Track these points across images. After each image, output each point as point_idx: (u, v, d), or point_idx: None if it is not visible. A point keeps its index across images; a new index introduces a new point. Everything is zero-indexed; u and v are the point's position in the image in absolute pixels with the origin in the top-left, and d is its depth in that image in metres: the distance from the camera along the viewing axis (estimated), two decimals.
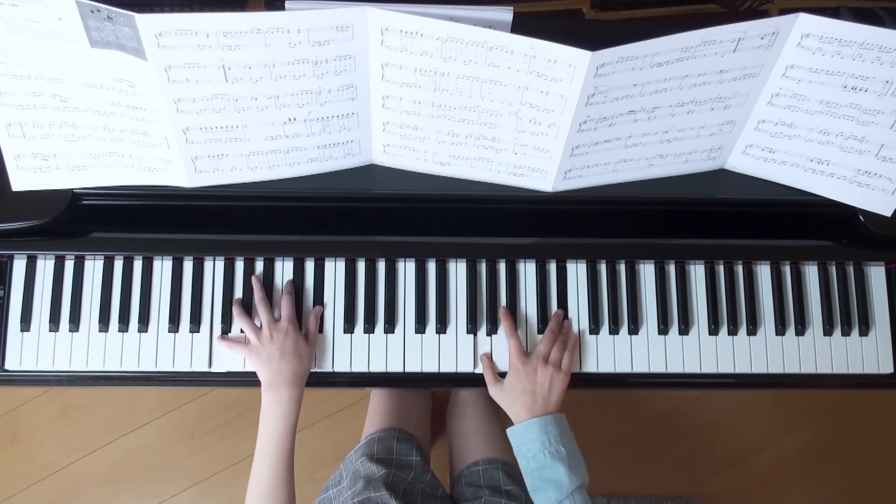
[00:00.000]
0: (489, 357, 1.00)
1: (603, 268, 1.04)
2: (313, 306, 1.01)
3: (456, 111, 0.87)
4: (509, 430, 0.94)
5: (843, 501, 1.84)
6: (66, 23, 0.77)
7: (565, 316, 1.02)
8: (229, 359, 0.99)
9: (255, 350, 0.96)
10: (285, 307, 0.98)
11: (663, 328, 1.02)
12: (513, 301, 1.02)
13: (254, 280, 1.00)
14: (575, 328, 1.02)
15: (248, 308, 1.00)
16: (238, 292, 1.01)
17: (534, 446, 0.90)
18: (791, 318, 1.03)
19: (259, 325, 0.98)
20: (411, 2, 0.81)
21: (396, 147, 0.94)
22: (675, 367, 1.02)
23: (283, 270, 1.02)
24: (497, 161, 0.93)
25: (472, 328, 1.01)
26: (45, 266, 1.00)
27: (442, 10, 0.79)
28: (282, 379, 0.93)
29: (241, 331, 0.99)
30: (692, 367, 1.02)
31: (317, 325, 1.00)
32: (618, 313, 1.02)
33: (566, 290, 1.03)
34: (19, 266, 1.00)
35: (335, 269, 1.02)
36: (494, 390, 0.97)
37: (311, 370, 0.99)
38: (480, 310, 1.02)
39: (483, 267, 1.03)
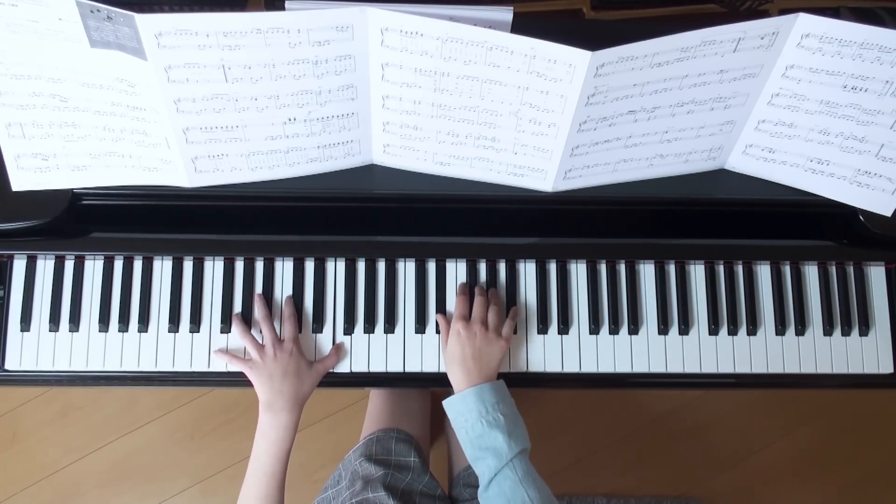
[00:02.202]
0: (444, 317, 1.00)
1: (603, 268, 1.04)
2: (313, 307, 1.01)
3: (456, 111, 0.87)
4: (445, 403, 0.93)
5: (844, 501, 1.84)
6: (66, 23, 0.77)
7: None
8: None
9: (256, 367, 0.95)
10: (289, 328, 0.98)
11: (663, 328, 1.02)
12: (513, 301, 1.02)
13: (257, 298, 1.00)
14: (575, 328, 1.02)
15: (247, 321, 1.00)
16: (238, 293, 1.01)
17: (471, 416, 0.89)
18: (791, 318, 1.03)
19: (262, 343, 0.97)
20: (411, 2, 0.81)
21: (396, 147, 0.93)
22: (675, 367, 1.02)
23: (283, 270, 1.02)
24: (497, 161, 0.93)
25: None
26: (45, 266, 1.00)
27: (442, 10, 0.79)
28: (283, 401, 0.93)
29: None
30: (692, 367, 1.02)
31: (337, 362, 1.00)
32: (618, 313, 1.02)
33: (566, 290, 1.03)
34: (19, 266, 1.00)
35: (335, 269, 1.02)
36: (444, 353, 0.97)
37: None
38: None
39: (483, 267, 1.03)
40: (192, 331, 1.00)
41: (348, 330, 1.01)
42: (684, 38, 0.78)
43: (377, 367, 1.01)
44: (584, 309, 1.03)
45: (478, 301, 0.98)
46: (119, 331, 1.00)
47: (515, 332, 1.01)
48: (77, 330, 0.99)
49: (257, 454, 0.92)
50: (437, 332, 1.01)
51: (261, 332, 0.98)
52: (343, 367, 1.00)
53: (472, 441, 0.89)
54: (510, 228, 1.01)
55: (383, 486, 1.01)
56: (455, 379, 0.94)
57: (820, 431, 1.85)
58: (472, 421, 0.89)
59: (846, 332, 1.03)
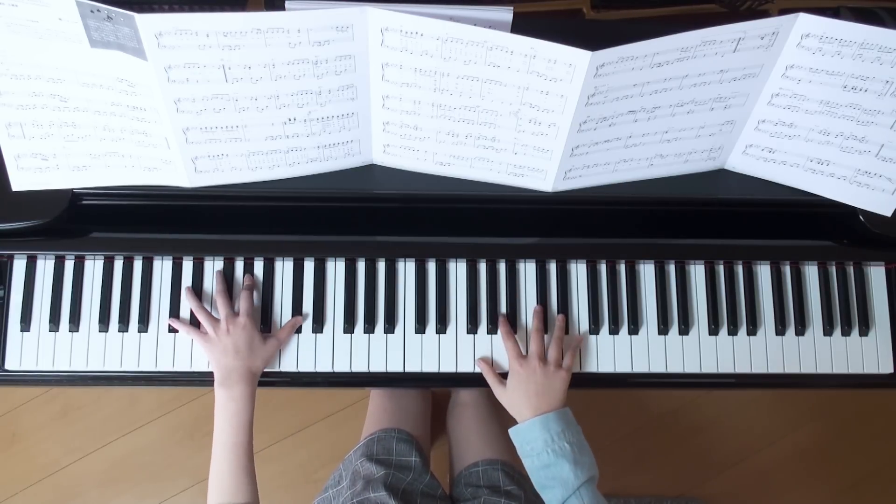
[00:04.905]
0: (486, 361, 1.00)
1: (603, 268, 1.04)
2: (313, 307, 1.01)
3: (456, 111, 0.87)
4: (512, 431, 0.94)
5: (844, 501, 1.84)
6: (66, 23, 0.77)
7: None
8: None
9: (210, 342, 0.96)
10: (244, 302, 0.98)
11: (663, 328, 1.02)
12: (513, 301, 1.02)
13: (217, 274, 1.00)
14: (575, 328, 1.02)
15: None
16: (238, 292, 1.01)
17: (537, 445, 0.90)
18: (791, 318, 1.03)
19: (217, 318, 0.97)
20: (411, 2, 0.81)
21: (396, 147, 0.94)
22: (675, 367, 1.02)
23: (283, 270, 1.02)
24: (497, 161, 0.93)
25: (473, 328, 1.01)
26: (45, 266, 1.00)
27: (442, 10, 0.79)
28: (236, 376, 0.93)
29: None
30: (692, 367, 1.02)
31: (289, 333, 0.99)
32: (618, 313, 1.02)
33: (566, 290, 1.03)
34: (19, 266, 1.00)
35: (335, 269, 1.02)
36: (499, 392, 0.97)
37: (313, 370, 1.00)
38: (480, 309, 1.02)
39: (483, 267, 1.03)
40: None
41: (348, 330, 1.01)
42: (684, 38, 0.78)
43: (377, 367, 1.01)
44: (583, 309, 1.03)
45: (534, 336, 0.98)
46: (119, 331, 1.00)
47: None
48: (77, 330, 0.99)
49: (220, 429, 0.91)
50: (437, 332, 1.01)
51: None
52: (343, 367, 1.00)
53: (539, 470, 0.89)
54: (510, 228, 1.01)
55: (384, 486, 1.01)
56: (519, 412, 0.94)
57: (820, 431, 1.85)
58: (538, 450, 0.89)
59: (846, 332, 1.03)
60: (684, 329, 1.03)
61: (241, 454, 0.90)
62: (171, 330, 1.00)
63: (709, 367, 1.02)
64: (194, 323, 0.99)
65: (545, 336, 1.00)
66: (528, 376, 0.94)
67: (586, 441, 0.92)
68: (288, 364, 1.00)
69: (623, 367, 1.02)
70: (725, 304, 1.03)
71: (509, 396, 0.96)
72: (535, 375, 0.94)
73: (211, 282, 1.01)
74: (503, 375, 0.99)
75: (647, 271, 1.04)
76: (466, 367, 1.01)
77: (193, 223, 0.98)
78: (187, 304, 1.00)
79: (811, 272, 1.05)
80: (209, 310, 0.99)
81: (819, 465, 1.84)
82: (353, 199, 0.98)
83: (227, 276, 1.01)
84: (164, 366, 0.99)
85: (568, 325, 1.02)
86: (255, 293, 1.00)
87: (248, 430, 0.92)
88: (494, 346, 1.01)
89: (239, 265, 1.02)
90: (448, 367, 1.01)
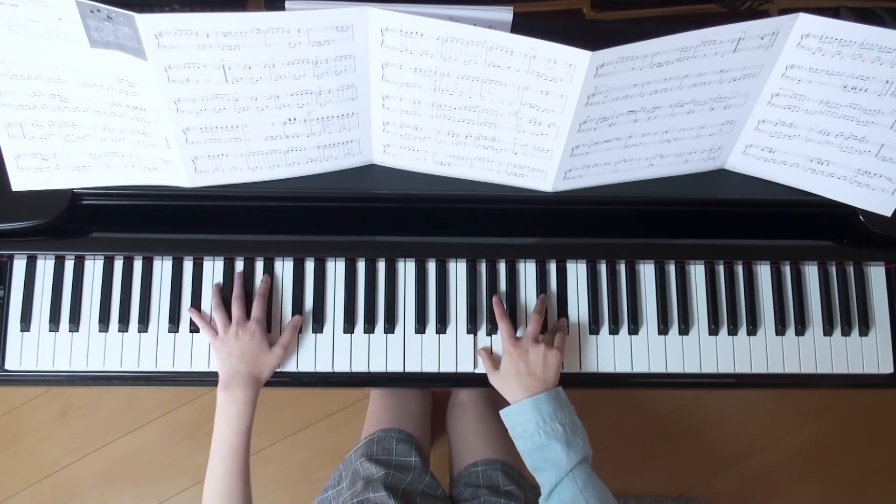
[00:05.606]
0: (487, 350, 1.00)
1: (603, 268, 1.04)
2: (313, 307, 1.01)
3: (456, 111, 0.87)
4: (502, 412, 0.93)
5: (844, 501, 1.84)
6: (66, 23, 0.77)
7: (559, 310, 1.02)
8: None
9: (219, 342, 0.96)
10: (256, 308, 0.98)
11: (663, 328, 1.02)
12: (513, 301, 1.02)
13: (236, 277, 1.00)
14: (575, 328, 1.02)
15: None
16: (238, 292, 1.01)
17: (528, 427, 0.89)
18: (791, 318, 1.03)
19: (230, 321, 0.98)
20: (411, 2, 0.81)
21: (396, 147, 0.94)
22: (675, 367, 1.02)
23: (284, 270, 1.02)
24: (497, 161, 0.93)
25: (473, 328, 1.01)
26: (45, 266, 1.00)
27: (442, 10, 0.79)
28: (237, 380, 0.93)
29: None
30: (692, 367, 1.02)
31: (291, 338, 0.99)
32: (618, 313, 1.02)
33: (566, 290, 1.03)
34: (19, 266, 1.00)
35: (335, 269, 1.02)
36: (492, 377, 0.97)
37: (313, 370, 1.00)
38: (480, 310, 1.02)
39: (483, 267, 1.03)
40: (192, 330, 1.00)
41: (348, 330, 1.01)
42: (684, 38, 0.79)
43: (377, 367, 1.01)
44: (584, 309, 1.03)
45: (534, 317, 0.98)
46: (119, 331, 1.00)
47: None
48: (77, 330, 0.99)
49: (218, 432, 0.92)
50: (437, 332, 1.01)
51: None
52: (343, 367, 1.00)
53: (531, 452, 0.89)
54: (510, 228, 1.01)
55: (384, 487, 1.01)
56: (510, 392, 0.93)
57: (820, 431, 1.85)
58: (530, 431, 0.89)
59: (846, 332, 1.03)
60: (684, 329, 1.03)
61: (237, 458, 0.91)
62: (171, 330, 1.00)
63: (709, 367, 1.02)
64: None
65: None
66: (520, 355, 0.94)
67: (579, 420, 0.91)
68: (288, 364, 1.00)
69: (623, 367, 1.02)
70: (725, 304, 1.03)
71: (502, 378, 0.95)
72: (526, 355, 0.94)
73: (211, 282, 1.01)
74: None
75: (646, 271, 1.04)
76: (466, 367, 1.01)
77: (193, 223, 0.98)
78: (186, 307, 1.00)
79: (811, 272, 1.05)
80: (204, 313, 1.00)
81: (819, 465, 1.84)
82: (353, 199, 0.98)
83: (245, 275, 1.01)
84: (164, 366, 0.99)
85: (568, 325, 1.02)
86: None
87: (246, 434, 0.92)
88: (495, 346, 1.01)
89: (239, 265, 1.01)
90: (448, 367, 1.01)
